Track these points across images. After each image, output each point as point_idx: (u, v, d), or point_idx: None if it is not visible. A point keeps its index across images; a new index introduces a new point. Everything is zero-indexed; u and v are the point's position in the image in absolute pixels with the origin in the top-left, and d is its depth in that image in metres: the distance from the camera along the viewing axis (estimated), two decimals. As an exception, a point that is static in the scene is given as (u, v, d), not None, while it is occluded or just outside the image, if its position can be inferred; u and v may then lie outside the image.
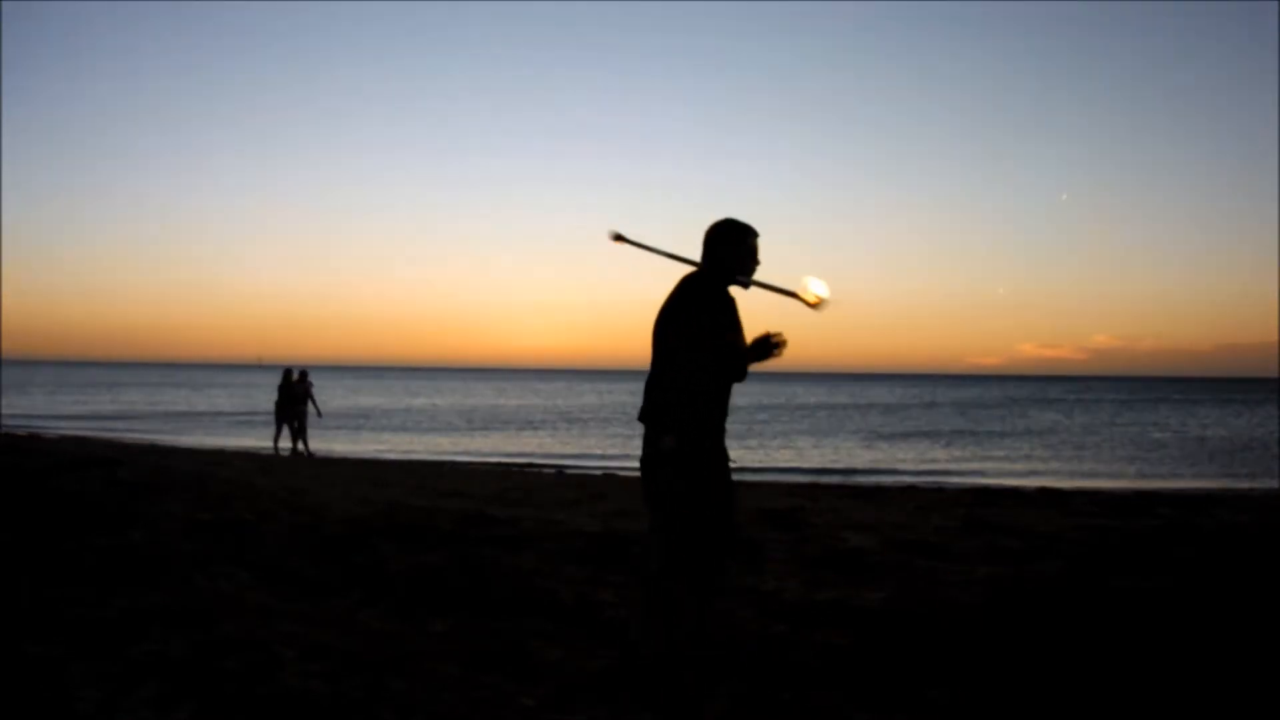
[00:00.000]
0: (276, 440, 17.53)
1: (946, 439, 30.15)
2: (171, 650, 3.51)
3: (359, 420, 36.69)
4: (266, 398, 24.53)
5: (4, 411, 33.19)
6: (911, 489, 13.89)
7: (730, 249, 3.43)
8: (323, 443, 21.03)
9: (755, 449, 25.29)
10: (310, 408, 17.33)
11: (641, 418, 3.41)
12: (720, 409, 3.41)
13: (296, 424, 17.16)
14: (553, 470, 16.46)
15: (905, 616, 4.26)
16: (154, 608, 4.09)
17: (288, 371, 17.39)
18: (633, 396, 62.64)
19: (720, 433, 3.44)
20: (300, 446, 17.20)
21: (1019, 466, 21.68)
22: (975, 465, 21.81)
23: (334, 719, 2.96)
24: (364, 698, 3.13)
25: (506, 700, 3.15)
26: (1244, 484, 17.52)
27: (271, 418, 17.87)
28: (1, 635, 3.64)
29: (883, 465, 21.76)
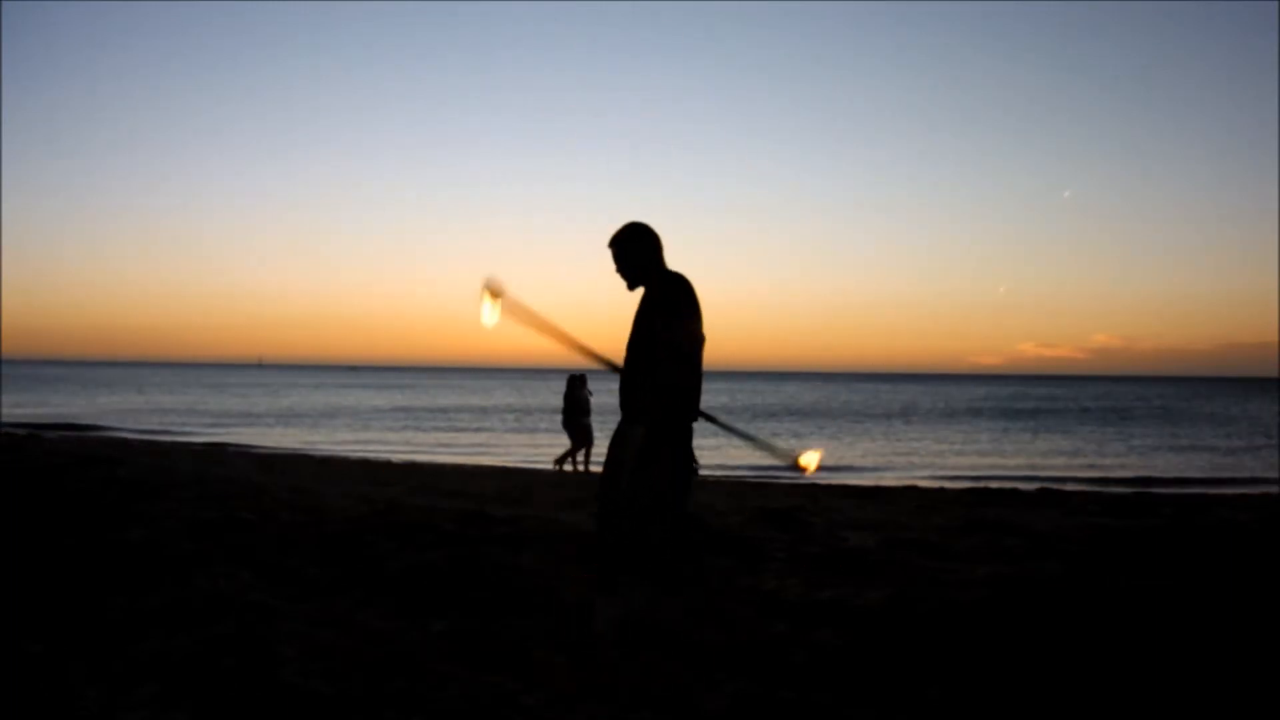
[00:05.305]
0: (570, 458, 14.88)
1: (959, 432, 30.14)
2: (172, 649, 3.51)
3: (406, 420, 36.70)
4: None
5: (66, 413, 33.19)
6: (912, 488, 13.89)
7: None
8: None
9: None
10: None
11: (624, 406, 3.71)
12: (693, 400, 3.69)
13: (582, 438, 14.71)
14: (554, 470, 16.35)
15: (905, 616, 4.26)
16: (154, 607, 4.09)
17: (573, 378, 14.57)
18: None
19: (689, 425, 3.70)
20: (580, 465, 14.85)
21: (1020, 464, 21.67)
22: (976, 463, 21.79)
23: (334, 718, 2.96)
24: (364, 697, 3.13)
25: (507, 700, 3.15)
26: (1247, 478, 17.53)
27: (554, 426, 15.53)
28: (2, 634, 3.65)
29: (885, 463, 21.75)
